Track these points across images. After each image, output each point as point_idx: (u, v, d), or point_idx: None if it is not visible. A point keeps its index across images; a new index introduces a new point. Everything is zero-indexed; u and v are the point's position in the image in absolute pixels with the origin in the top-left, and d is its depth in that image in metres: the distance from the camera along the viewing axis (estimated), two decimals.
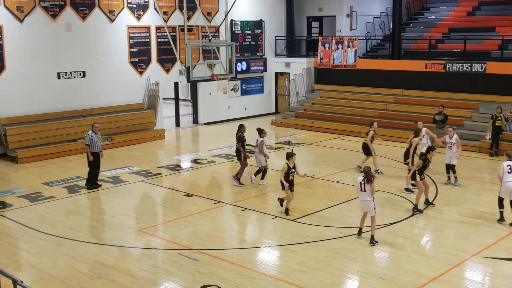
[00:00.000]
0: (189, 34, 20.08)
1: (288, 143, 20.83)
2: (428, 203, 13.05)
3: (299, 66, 25.69)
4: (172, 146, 21.37)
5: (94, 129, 14.64)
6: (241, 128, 15.12)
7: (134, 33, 21.53)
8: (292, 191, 12.48)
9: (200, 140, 22.67)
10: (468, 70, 20.95)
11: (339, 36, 25.40)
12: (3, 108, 18.19)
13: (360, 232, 11.03)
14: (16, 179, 16.17)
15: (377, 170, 15.65)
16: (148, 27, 21.94)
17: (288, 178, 12.33)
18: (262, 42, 26.32)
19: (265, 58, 26.55)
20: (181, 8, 21.28)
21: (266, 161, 14.93)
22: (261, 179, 14.99)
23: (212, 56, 19.13)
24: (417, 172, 12.65)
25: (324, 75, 25.48)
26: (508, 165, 11.69)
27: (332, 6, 26.82)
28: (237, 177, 14.99)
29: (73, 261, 10.14)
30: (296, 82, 25.59)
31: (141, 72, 21.93)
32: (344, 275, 9.62)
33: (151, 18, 21.96)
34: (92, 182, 14.84)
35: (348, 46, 24.36)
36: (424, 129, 15.47)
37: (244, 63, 25.51)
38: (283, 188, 12.46)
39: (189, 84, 23.70)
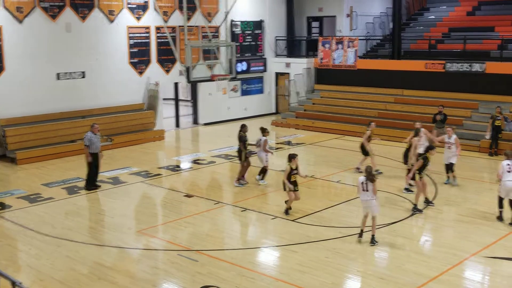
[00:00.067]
0: (189, 34, 20.05)
1: (288, 143, 20.81)
2: (427, 202, 13.05)
3: (299, 66, 25.65)
4: (172, 146, 21.37)
5: (93, 129, 14.63)
6: (243, 128, 15.08)
7: (134, 33, 21.52)
8: (296, 190, 12.45)
9: (200, 141, 22.65)
10: (467, 70, 20.95)
11: (339, 36, 25.37)
12: (3, 109, 18.16)
13: (361, 234, 10.99)
14: (15, 180, 16.15)
15: (377, 170, 15.63)
16: (148, 28, 21.93)
17: (290, 180, 12.32)
18: (262, 42, 26.31)
19: (265, 58, 26.53)
20: (181, 9, 21.28)
21: (266, 161, 14.93)
22: (261, 180, 14.98)
23: (212, 56, 19.13)
24: (416, 171, 12.65)
25: (324, 75, 25.46)
26: (507, 164, 11.72)
27: (332, 6, 26.81)
28: (240, 178, 14.95)
29: (72, 262, 10.12)
30: (296, 82, 25.57)
31: (141, 73, 21.91)
32: (344, 275, 9.62)
33: (151, 19, 21.94)
34: (91, 183, 14.82)
35: (348, 46, 24.35)
36: (422, 130, 15.46)
37: (244, 63, 25.48)
38: (284, 189, 12.45)
39: (189, 84, 23.67)
